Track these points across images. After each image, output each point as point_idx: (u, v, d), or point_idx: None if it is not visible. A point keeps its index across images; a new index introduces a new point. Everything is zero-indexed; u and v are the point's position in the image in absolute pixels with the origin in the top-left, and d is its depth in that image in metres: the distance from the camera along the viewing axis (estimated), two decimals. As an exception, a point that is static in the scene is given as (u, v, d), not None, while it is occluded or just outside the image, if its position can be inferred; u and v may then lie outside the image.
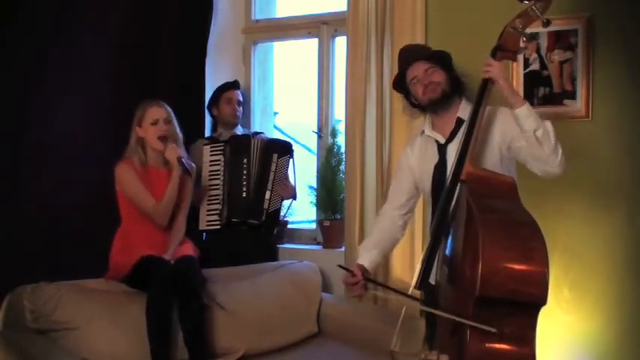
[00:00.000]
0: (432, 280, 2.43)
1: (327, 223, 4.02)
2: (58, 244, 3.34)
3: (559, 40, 3.29)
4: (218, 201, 3.75)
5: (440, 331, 2.31)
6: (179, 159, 3.12)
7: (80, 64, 3.52)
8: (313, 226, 4.31)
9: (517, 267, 1.98)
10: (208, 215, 3.76)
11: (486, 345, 2.01)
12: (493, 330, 1.96)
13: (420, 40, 3.52)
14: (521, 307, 2.01)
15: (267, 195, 3.79)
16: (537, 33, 3.24)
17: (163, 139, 3.18)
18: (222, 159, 3.77)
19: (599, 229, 3.23)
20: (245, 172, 3.77)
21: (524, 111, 2.26)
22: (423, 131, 2.62)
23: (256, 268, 3.62)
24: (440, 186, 2.40)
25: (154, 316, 2.90)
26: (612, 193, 3.22)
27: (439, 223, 2.32)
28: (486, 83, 2.33)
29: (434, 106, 2.52)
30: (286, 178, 3.85)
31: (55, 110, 3.44)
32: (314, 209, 4.19)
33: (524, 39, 2.38)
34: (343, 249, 3.85)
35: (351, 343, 3.35)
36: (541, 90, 3.34)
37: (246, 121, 4.34)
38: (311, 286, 3.63)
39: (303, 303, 3.54)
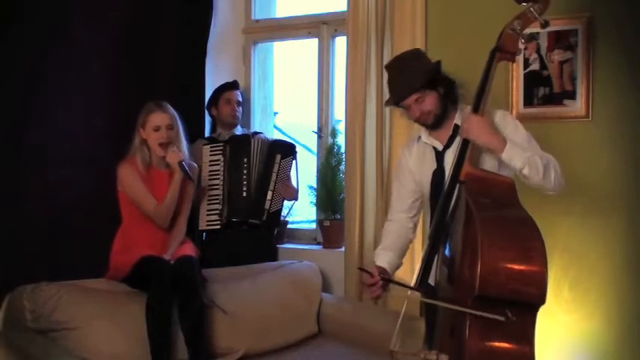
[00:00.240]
0: (431, 281, 2.44)
1: (327, 223, 4.02)
2: (58, 244, 3.34)
3: (559, 40, 3.29)
4: (218, 201, 3.75)
5: (439, 330, 2.31)
6: (180, 163, 3.12)
7: (80, 64, 3.52)
8: (313, 226, 4.31)
9: (516, 267, 1.99)
10: (208, 215, 3.76)
11: (485, 344, 2.02)
12: (500, 318, 1.95)
13: (420, 40, 3.53)
14: (520, 306, 2.01)
15: (269, 195, 3.79)
16: (537, 33, 3.24)
17: (165, 145, 3.18)
18: (222, 159, 3.77)
19: (599, 228, 3.23)
20: (245, 172, 3.77)
21: (506, 155, 2.28)
22: (419, 137, 2.61)
23: (256, 268, 3.62)
24: (438, 192, 2.40)
25: (154, 315, 2.90)
26: (612, 193, 3.22)
27: (438, 223, 2.32)
28: (485, 85, 2.33)
29: (430, 127, 2.53)
30: (288, 179, 3.85)
31: (55, 110, 3.44)
32: (314, 209, 4.19)
33: (523, 40, 2.38)
34: (343, 249, 3.85)
35: (351, 343, 3.35)
36: (541, 90, 3.34)
37: (246, 121, 4.35)
38: (311, 286, 3.64)
39: (303, 303, 3.54)
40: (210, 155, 3.79)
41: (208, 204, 3.75)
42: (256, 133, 4.01)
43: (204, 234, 3.83)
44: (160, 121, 3.19)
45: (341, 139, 4.03)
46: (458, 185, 2.27)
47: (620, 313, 3.20)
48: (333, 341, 3.45)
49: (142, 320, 2.89)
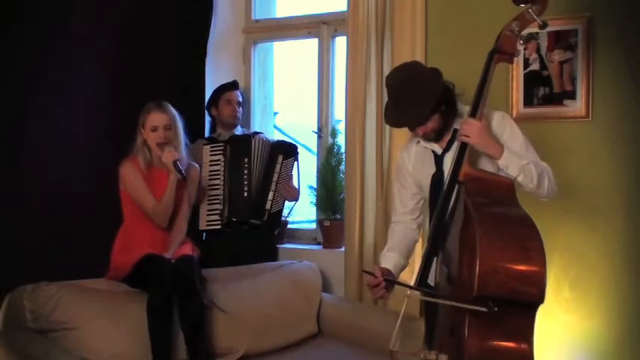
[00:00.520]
0: (431, 282, 2.44)
1: (327, 223, 4.02)
2: (58, 244, 3.34)
3: (559, 40, 3.29)
4: (218, 201, 3.75)
5: (439, 330, 2.31)
6: (175, 163, 3.13)
7: (80, 64, 3.52)
8: (313, 226, 4.31)
9: (514, 266, 1.99)
10: (209, 215, 3.76)
11: (485, 343, 2.02)
12: (491, 309, 1.95)
13: (420, 40, 3.53)
14: (519, 306, 2.02)
15: (270, 196, 3.79)
16: (537, 33, 3.24)
17: (162, 145, 3.18)
18: (223, 159, 3.77)
19: (599, 228, 3.23)
20: (246, 172, 3.77)
21: (503, 162, 2.30)
22: (418, 140, 2.61)
23: (256, 268, 3.62)
24: (438, 194, 2.41)
25: (154, 315, 2.90)
26: (612, 193, 3.22)
27: (437, 224, 2.33)
28: (483, 86, 2.33)
29: (432, 141, 2.53)
30: (290, 179, 3.85)
31: (55, 110, 3.44)
32: (314, 209, 4.19)
33: (521, 42, 2.39)
34: (343, 249, 3.85)
35: (351, 343, 3.35)
36: (541, 90, 3.34)
37: (246, 121, 4.35)
38: (311, 286, 3.64)
39: (303, 303, 3.54)
40: (211, 155, 3.79)
41: (208, 204, 3.75)
42: (256, 133, 4.01)
43: (204, 234, 3.82)
44: (158, 122, 3.20)
45: (341, 139, 4.03)
46: (457, 186, 2.28)
47: (621, 312, 3.20)
48: (333, 341, 3.45)
49: (143, 320, 2.89)
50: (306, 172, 4.03)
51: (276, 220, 3.89)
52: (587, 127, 3.25)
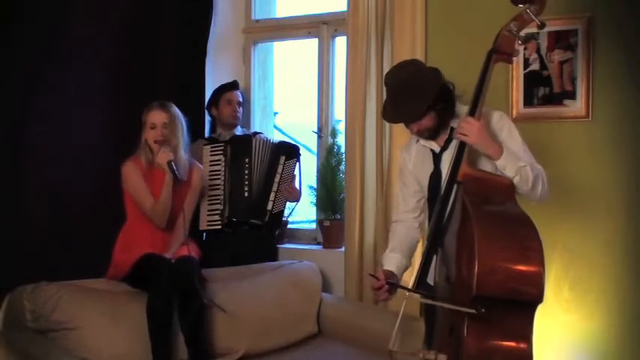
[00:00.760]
0: (431, 282, 2.44)
1: (327, 223, 4.02)
2: (58, 244, 3.34)
3: (559, 40, 3.29)
4: (219, 201, 3.75)
5: (438, 330, 2.32)
6: (169, 163, 3.13)
7: (80, 64, 3.52)
8: (313, 226, 4.31)
9: (513, 266, 2.00)
10: (209, 215, 3.75)
11: (484, 343, 2.02)
12: (479, 310, 1.95)
13: (420, 40, 3.53)
14: (518, 305, 2.02)
15: (272, 196, 3.79)
16: (537, 33, 3.24)
17: (160, 143, 3.19)
18: (223, 159, 3.77)
19: (599, 228, 3.23)
20: (247, 172, 3.77)
21: (501, 163, 2.30)
22: (418, 139, 2.61)
23: (256, 268, 3.62)
24: (436, 193, 2.42)
25: (154, 315, 2.90)
26: (612, 193, 3.22)
27: (437, 224, 2.33)
28: (482, 86, 2.34)
29: (427, 139, 2.54)
30: (292, 180, 3.85)
31: (55, 110, 3.44)
32: (314, 209, 4.19)
33: (520, 42, 2.39)
34: (343, 249, 3.85)
35: (351, 343, 3.35)
36: (541, 90, 3.34)
37: (246, 121, 4.35)
38: (311, 286, 3.64)
39: (303, 303, 3.54)
40: (211, 155, 3.79)
41: (209, 204, 3.75)
42: (256, 133, 4.01)
43: (205, 234, 3.82)
44: (156, 119, 3.21)
45: (341, 139, 4.03)
46: (456, 186, 2.28)
47: (621, 312, 3.20)
48: (333, 341, 3.45)
49: (143, 320, 2.89)
50: (306, 172, 4.03)
51: (278, 220, 3.89)
52: (587, 127, 3.25)
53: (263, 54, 4.57)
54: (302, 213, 4.34)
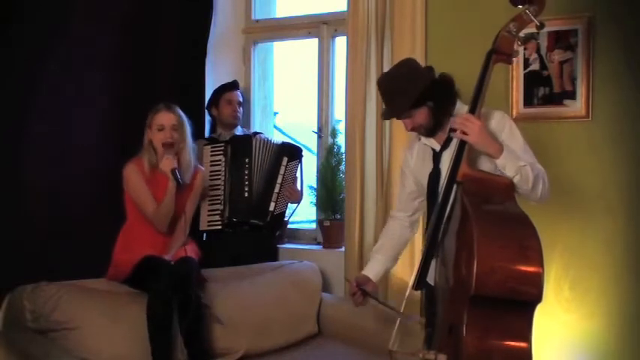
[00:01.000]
0: (431, 281, 2.44)
1: (327, 223, 4.02)
2: (58, 244, 3.34)
3: (559, 40, 3.29)
4: (219, 201, 3.75)
5: (438, 330, 2.32)
6: (173, 171, 3.12)
7: (80, 64, 3.52)
8: (313, 226, 4.31)
9: (512, 266, 2.00)
10: (209, 215, 3.75)
11: (483, 342, 2.02)
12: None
13: (419, 40, 3.53)
14: (517, 305, 2.02)
15: (274, 197, 3.80)
16: (537, 33, 3.23)
17: (168, 146, 3.18)
18: (224, 159, 3.77)
19: (599, 228, 3.23)
20: (247, 173, 3.77)
21: (501, 162, 2.30)
22: (419, 138, 2.62)
23: (256, 268, 3.62)
24: (434, 192, 2.43)
25: (154, 315, 2.90)
26: (612, 193, 3.22)
27: (436, 224, 2.34)
28: (481, 86, 2.34)
29: (424, 136, 2.55)
30: (294, 181, 3.86)
31: (55, 110, 3.44)
32: (314, 209, 4.19)
33: (519, 42, 2.40)
34: (343, 249, 3.85)
35: (351, 343, 3.35)
36: (541, 90, 3.34)
37: (246, 121, 4.35)
38: (311, 286, 3.64)
39: (303, 303, 3.54)
40: (212, 155, 3.79)
41: (209, 204, 3.75)
42: (257, 133, 4.02)
43: (205, 234, 3.82)
44: (165, 121, 3.19)
45: (341, 139, 4.03)
46: (455, 186, 2.28)
47: (621, 312, 3.20)
48: (333, 341, 3.45)
49: (143, 321, 2.89)
50: (306, 172, 4.03)
51: (279, 221, 3.90)
52: (587, 127, 3.25)
53: (263, 54, 4.57)
54: (302, 213, 4.34)
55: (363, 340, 3.28)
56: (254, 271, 3.57)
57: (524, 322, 2.06)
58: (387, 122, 3.63)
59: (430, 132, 2.50)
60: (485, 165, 2.39)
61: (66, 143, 3.47)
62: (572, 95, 3.27)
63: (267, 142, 3.84)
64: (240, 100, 3.99)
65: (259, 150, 3.80)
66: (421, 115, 2.44)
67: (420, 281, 2.36)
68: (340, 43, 4.16)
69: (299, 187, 3.90)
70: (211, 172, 3.76)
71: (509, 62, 2.45)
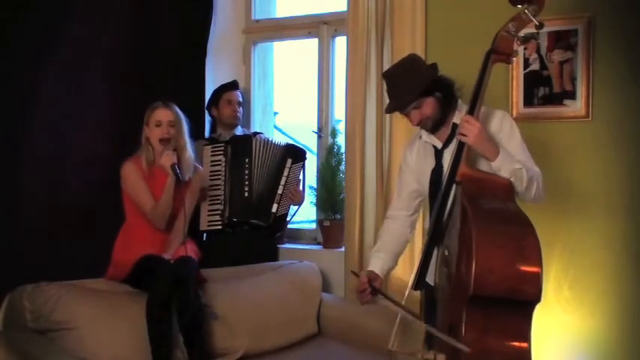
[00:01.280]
0: (431, 281, 2.44)
1: (327, 223, 4.02)
2: (58, 244, 3.34)
3: (559, 40, 3.29)
4: (219, 201, 3.75)
5: (437, 329, 2.31)
6: (172, 166, 3.13)
7: (80, 64, 3.52)
8: (313, 226, 4.31)
9: (511, 265, 2.01)
10: (209, 215, 3.75)
11: (482, 343, 2.02)
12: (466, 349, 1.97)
13: (420, 39, 3.53)
14: (516, 305, 2.03)
15: (277, 199, 3.80)
16: (537, 33, 3.22)
17: (165, 141, 3.19)
18: (224, 159, 3.78)
19: (599, 228, 3.23)
20: (247, 173, 3.77)
21: (496, 165, 2.32)
22: (420, 136, 2.62)
23: (256, 268, 3.62)
24: (437, 190, 2.43)
25: (153, 315, 2.90)
26: (612, 193, 3.22)
27: (435, 224, 2.34)
28: (480, 86, 2.34)
29: (429, 131, 2.54)
30: (297, 183, 3.86)
31: (55, 110, 3.44)
32: (314, 209, 4.19)
33: (518, 42, 2.40)
34: (343, 249, 3.85)
35: (351, 343, 3.35)
36: (541, 90, 3.34)
37: (247, 121, 4.35)
38: (311, 287, 3.64)
39: (303, 303, 3.54)
40: (212, 156, 3.79)
41: (209, 204, 3.75)
42: (257, 133, 4.02)
43: (205, 234, 3.82)
44: (162, 117, 3.21)
45: (341, 139, 4.03)
46: (454, 186, 2.28)
47: (621, 311, 3.20)
48: (333, 341, 3.45)
49: (142, 321, 2.89)
50: (306, 172, 4.03)
51: (281, 223, 3.89)
52: (587, 127, 3.25)
53: (263, 54, 4.57)
54: (302, 213, 4.33)
55: (363, 340, 3.28)
56: (254, 271, 3.57)
57: (523, 321, 2.06)
58: (387, 122, 3.63)
59: (436, 125, 2.49)
60: (484, 165, 2.40)
61: (66, 143, 3.46)
62: (572, 95, 3.27)
63: (268, 143, 3.84)
64: (240, 100, 3.99)
65: (259, 150, 3.80)
66: (429, 105, 2.45)
67: (420, 281, 2.36)
68: (340, 43, 4.16)
69: (301, 189, 3.90)
70: (211, 172, 3.76)
71: (509, 62, 2.45)
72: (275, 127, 4.67)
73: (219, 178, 3.77)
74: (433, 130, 2.51)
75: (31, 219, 3.32)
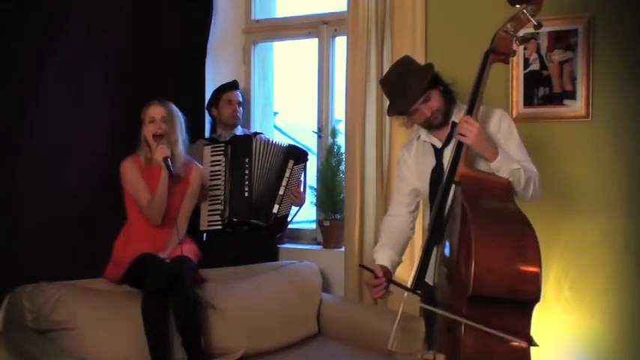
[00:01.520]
0: (430, 281, 2.44)
1: (327, 223, 4.03)
2: (58, 244, 3.34)
3: (559, 40, 3.29)
4: (219, 201, 3.75)
5: (437, 329, 2.32)
6: (165, 159, 3.14)
7: (80, 64, 3.52)
8: (313, 226, 4.31)
9: (510, 265, 2.01)
10: (209, 215, 3.75)
11: (481, 343, 2.02)
12: (491, 330, 1.96)
13: (419, 40, 3.53)
14: (515, 304, 2.03)
15: (279, 200, 3.80)
16: (537, 33, 3.23)
17: (158, 137, 3.20)
18: (224, 159, 3.78)
19: (599, 228, 3.23)
20: (247, 172, 3.77)
21: (495, 165, 2.32)
22: (419, 136, 2.62)
23: (256, 268, 3.62)
24: (437, 189, 2.42)
25: (149, 314, 2.90)
26: (612, 193, 3.22)
27: (434, 224, 2.35)
28: (479, 84, 2.34)
29: (437, 127, 2.54)
30: (298, 185, 3.86)
31: (55, 110, 3.44)
32: (314, 209, 4.19)
33: (517, 42, 2.41)
34: (343, 249, 3.85)
35: (350, 343, 3.35)
36: (541, 90, 3.34)
37: (247, 121, 4.35)
38: (311, 286, 3.64)
39: (303, 303, 3.54)
40: (212, 156, 3.79)
41: (210, 204, 3.75)
42: (257, 133, 4.02)
43: (205, 234, 3.82)
44: (155, 113, 3.23)
45: (341, 139, 4.03)
46: (454, 186, 2.28)
47: (621, 311, 3.20)
48: (333, 341, 3.45)
49: (142, 320, 2.89)
50: (307, 173, 4.03)
51: (282, 224, 3.89)
52: (587, 127, 3.25)
53: (263, 54, 4.57)
54: (302, 213, 4.33)
55: (363, 340, 3.28)
56: (254, 271, 3.57)
57: (522, 321, 2.06)
58: (387, 122, 3.63)
59: (444, 118, 2.49)
60: (483, 165, 2.40)
61: (65, 143, 3.46)
62: (572, 95, 3.27)
63: (269, 143, 3.84)
64: (240, 100, 3.99)
65: (260, 150, 3.80)
66: (437, 97, 2.46)
67: (419, 282, 2.36)
68: (340, 43, 4.16)
69: (302, 190, 3.90)
70: (211, 172, 3.76)
71: (507, 62, 2.46)
72: (275, 127, 4.67)
73: (219, 178, 3.77)
74: (442, 124, 2.51)
75: (31, 219, 3.32)
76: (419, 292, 2.38)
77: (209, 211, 3.75)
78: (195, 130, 3.83)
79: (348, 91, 3.76)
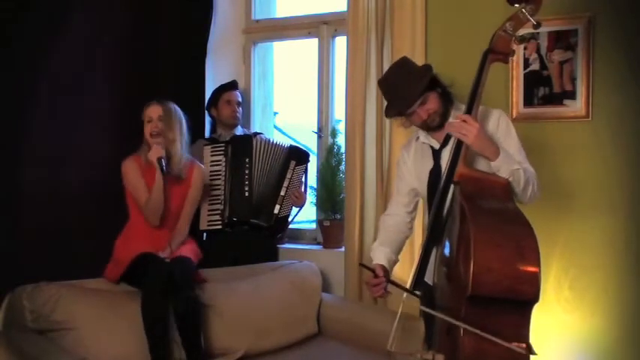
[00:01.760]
0: (430, 281, 2.44)
1: (327, 223, 4.03)
2: (58, 244, 3.34)
3: (559, 40, 3.29)
4: (219, 201, 3.75)
5: (437, 330, 2.32)
6: (158, 159, 3.14)
7: (80, 64, 3.52)
8: (313, 226, 4.31)
9: (509, 265, 2.00)
10: (209, 215, 3.75)
11: (480, 343, 2.02)
12: (489, 337, 1.97)
13: (419, 39, 3.53)
14: (514, 305, 2.03)
15: (280, 200, 3.80)
16: (538, 33, 3.24)
17: (155, 136, 3.21)
18: (224, 159, 3.78)
19: (599, 228, 3.23)
20: (247, 172, 3.77)
21: (496, 165, 2.32)
22: (417, 137, 2.63)
23: (256, 268, 3.62)
24: (435, 190, 2.43)
25: (148, 313, 2.90)
26: (612, 193, 3.22)
27: (434, 224, 2.34)
28: (478, 84, 2.34)
29: (434, 129, 2.54)
30: (300, 185, 3.86)
31: (55, 110, 3.44)
32: (314, 209, 4.19)
33: (516, 42, 2.41)
34: (343, 249, 3.85)
35: (350, 343, 3.35)
36: (541, 90, 3.34)
37: (246, 121, 4.35)
38: (311, 287, 3.64)
39: (303, 303, 3.54)
40: (212, 156, 3.80)
41: (210, 204, 3.75)
42: (257, 133, 4.02)
43: (205, 234, 3.82)
44: (152, 113, 3.23)
45: (341, 139, 4.03)
46: (452, 186, 2.28)
47: (621, 311, 3.20)
48: (333, 341, 3.45)
49: (141, 320, 2.89)
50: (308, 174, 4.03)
51: (283, 224, 3.89)
52: (587, 127, 3.25)
53: (263, 54, 4.57)
54: (302, 213, 4.34)
55: (362, 340, 3.28)
56: (254, 271, 3.57)
57: (521, 321, 2.06)
58: (387, 123, 3.63)
59: (442, 120, 2.49)
60: (482, 164, 2.40)
61: (65, 143, 3.47)
62: (572, 95, 3.27)
63: (270, 143, 3.84)
64: (240, 100, 3.99)
65: (260, 150, 3.80)
66: (434, 99, 2.47)
67: (418, 282, 2.36)
68: (340, 43, 4.16)
69: (303, 190, 3.90)
70: (211, 172, 3.76)
71: (506, 62, 2.46)
72: (275, 127, 4.67)
73: (220, 178, 3.77)
74: (439, 125, 2.51)
75: (31, 219, 3.32)
76: (418, 293, 2.39)
77: (209, 210, 3.75)
78: (195, 130, 3.82)
79: (348, 91, 3.76)
